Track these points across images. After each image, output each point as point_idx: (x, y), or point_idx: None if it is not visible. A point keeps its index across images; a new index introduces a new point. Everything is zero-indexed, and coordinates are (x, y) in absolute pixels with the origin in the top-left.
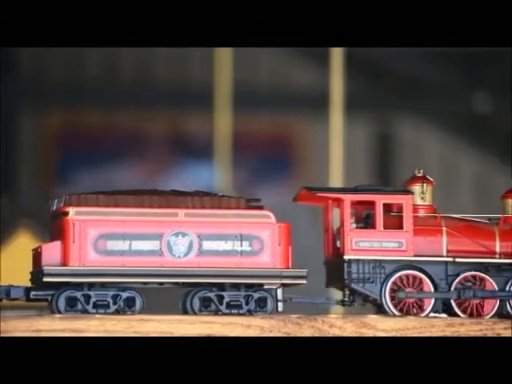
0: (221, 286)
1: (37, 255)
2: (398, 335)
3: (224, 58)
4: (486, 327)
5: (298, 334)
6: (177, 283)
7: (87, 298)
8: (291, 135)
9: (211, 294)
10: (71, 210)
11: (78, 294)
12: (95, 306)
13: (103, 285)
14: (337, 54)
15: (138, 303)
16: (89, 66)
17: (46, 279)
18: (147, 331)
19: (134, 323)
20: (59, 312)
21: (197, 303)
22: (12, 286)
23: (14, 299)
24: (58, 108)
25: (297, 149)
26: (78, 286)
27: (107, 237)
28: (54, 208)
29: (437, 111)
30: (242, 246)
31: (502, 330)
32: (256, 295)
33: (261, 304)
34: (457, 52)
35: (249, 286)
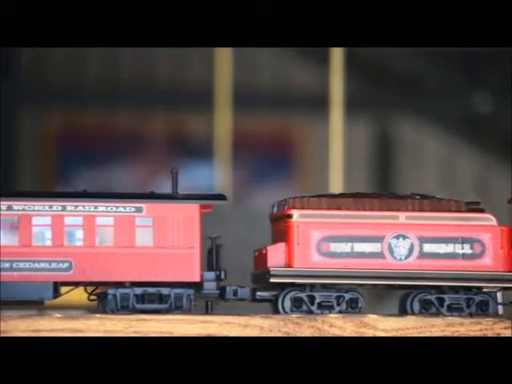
0: (440, 289)
1: (261, 256)
2: (398, 335)
3: (224, 57)
4: (486, 327)
5: (298, 334)
6: (393, 285)
7: (311, 298)
8: (291, 135)
9: (431, 297)
10: (295, 213)
11: (303, 295)
12: (320, 306)
13: (324, 286)
14: (337, 54)
15: (361, 304)
16: (89, 66)
17: (272, 280)
18: (147, 331)
19: (133, 323)
20: (285, 312)
21: (417, 305)
22: (239, 286)
23: (240, 299)
24: (58, 108)
25: (297, 149)
26: (302, 287)
27: (330, 239)
28: (275, 211)
29: (437, 111)
30: (463, 248)
31: (502, 329)
32: (477, 298)
33: (482, 307)
34: (457, 52)
35: (468, 289)
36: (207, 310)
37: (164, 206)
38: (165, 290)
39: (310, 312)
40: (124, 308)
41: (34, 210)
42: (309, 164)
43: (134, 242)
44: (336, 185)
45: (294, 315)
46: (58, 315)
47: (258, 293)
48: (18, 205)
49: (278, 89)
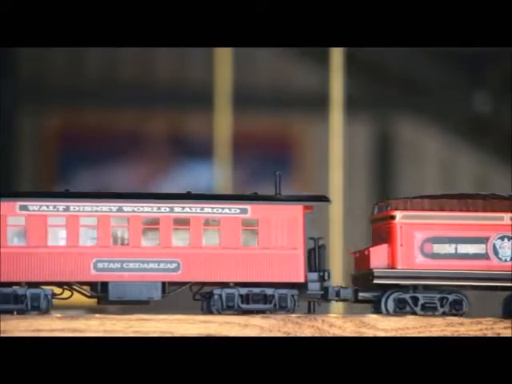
0: None
1: (362, 257)
2: (398, 335)
3: (224, 58)
4: (486, 327)
5: (298, 334)
6: (497, 287)
7: (415, 300)
8: (291, 135)
9: None
10: (398, 214)
11: (407, 296)
12: (423, 308)
13: (426, 287)
14: (337, 54)
15: (465, 306)
16: (89, 66)
17: (376, 281)
18: (147, 331)
19: (133, 323)
20: (388, 312)
21: None
22: (341, 287)
23: (343, 300)
24: (58, 108)
25: (297, 149)
26: (404, 288)
27: (433, 240)
28: (376, 212)
29: (437, 111)
30: None
31: (502, 329)
32: None
33: None
34: (457, 52)
35: None
36: (309, 311)
37: (268, 207)
38: (269, 291)
39: (414, 313)
40: (229, 308)
41: (143, 212)
42: (309, 164)
43: (239, 243)
44: (336, 185)
45: (293, 315)
46: (58, 315)
47: (361, 293)
48: (128, 206)
49: (278, 89)
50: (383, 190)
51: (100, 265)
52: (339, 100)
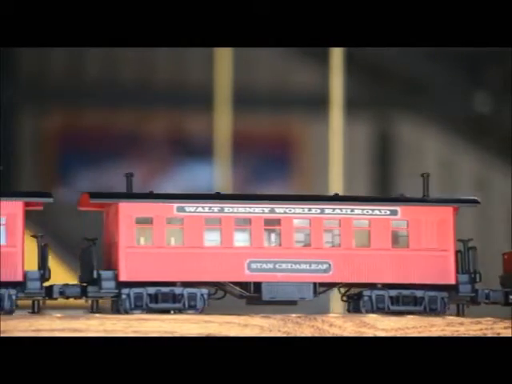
0: None
1: (510, 260)
2: (398, 335)
3: (224, 57)
4: (486, 327)
5: (298, 334)
6: None
7: None
8: (291, 135)
9: None
10: None
11: None
12: None
13: None
14: (337, 54)
15: None
16: (89, 65)
17: None
18: (147, 331)
19: (133, 323)
20: None
21: None
22: (491, 289)
23: (493, 303)
24: (58, 108)
25: (297, 149)
26: None
27: None
28: None
29: (437, 111)
30: None
31: (502, 329)
32: None
33: None
34: (457, 52)
35: None
36: (458, 313)
37: (418, 208)
38: (419, 293)
39: None
40: (379, 309)
41: (294, 213)
42: (309, 164)
43: (389, 245)
44: (336, 185)
45: (294, 315)
46: (58, 315)
47: (511, 296)
48: (280, 208)
49: (278, 89)
50: (383, 190)
51: (254, 265)
52: (339, 100)
